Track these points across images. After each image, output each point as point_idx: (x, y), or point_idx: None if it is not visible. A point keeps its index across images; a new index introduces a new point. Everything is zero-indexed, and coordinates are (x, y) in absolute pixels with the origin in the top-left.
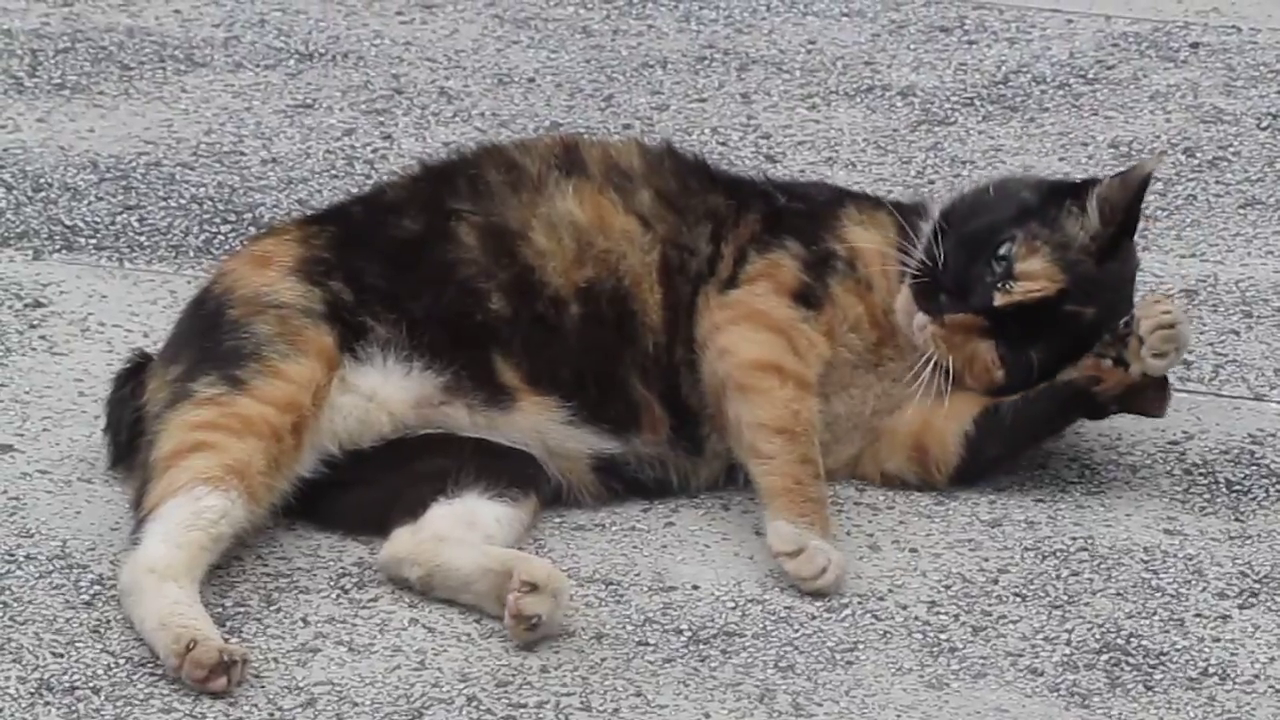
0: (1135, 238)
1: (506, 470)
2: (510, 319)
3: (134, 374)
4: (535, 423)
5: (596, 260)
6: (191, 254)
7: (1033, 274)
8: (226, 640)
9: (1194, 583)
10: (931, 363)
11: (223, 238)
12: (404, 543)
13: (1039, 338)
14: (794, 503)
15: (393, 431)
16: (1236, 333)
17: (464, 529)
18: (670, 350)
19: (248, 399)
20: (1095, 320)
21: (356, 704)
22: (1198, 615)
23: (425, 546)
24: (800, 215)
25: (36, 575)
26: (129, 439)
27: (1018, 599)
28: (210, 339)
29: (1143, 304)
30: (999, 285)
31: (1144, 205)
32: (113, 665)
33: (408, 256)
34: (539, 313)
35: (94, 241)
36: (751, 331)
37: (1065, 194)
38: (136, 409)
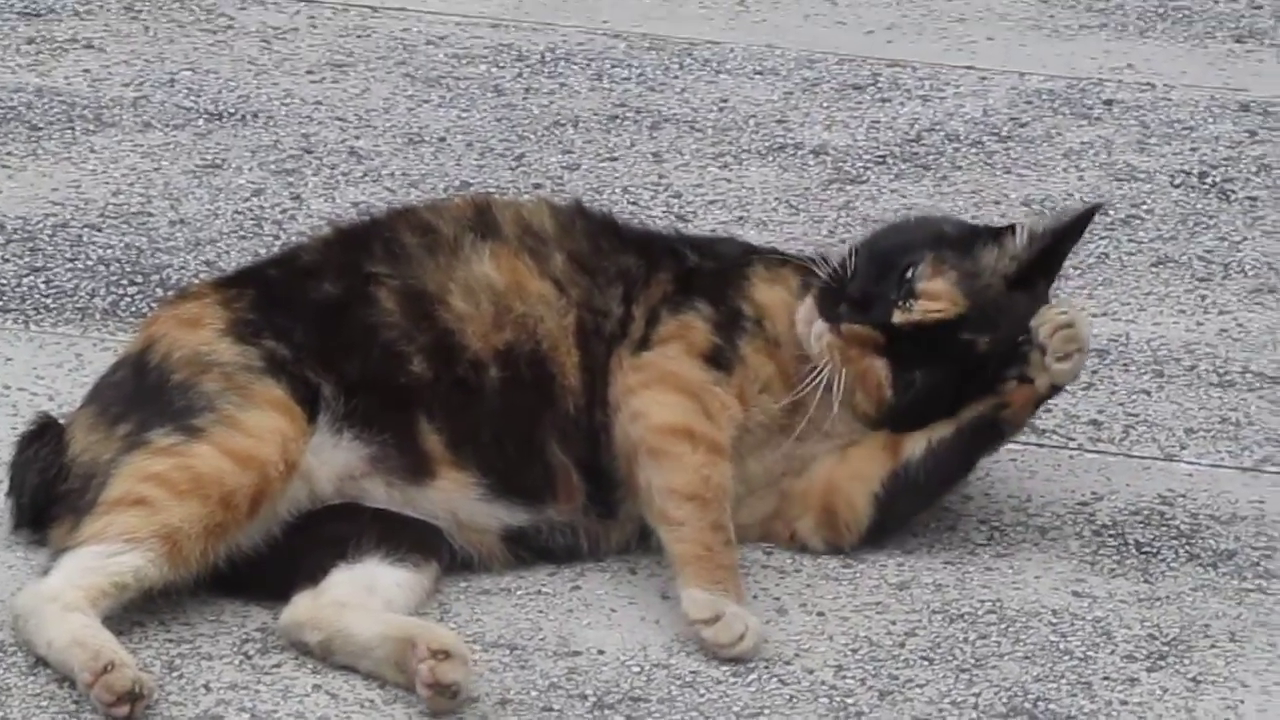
0: (1051, 285)
1: (408, 536)
2: (432, 382)
3: (38, 436)
4: (450, 498)
5: (514, 324)
6: (98, 316)
7: (934, 294)
8: (141, 670)
9: (1102, 645)
10: (824, 376)
11: (129, 299)
12: (304, 607)
13: (931, 362)
14: (705, 569)
15: (307, 504)
16: (1148, 392)
17: (364, 594)
18: (589, 413)
19: (207, 448)
20: (990, 352)
21: None
22: (1106, 678)
23: (326, 612)
24: (709, 274)
25: None
26: (33, 502)
27: (925, 662)
28: (159, 401)
29: (1036, 316)
30: (900, 302)
31: (1071, 251)
32: None
33: (330, 319)
34: (459, 375)
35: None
36: (663, 394)
37: (987, 233)
38: (44, 470)
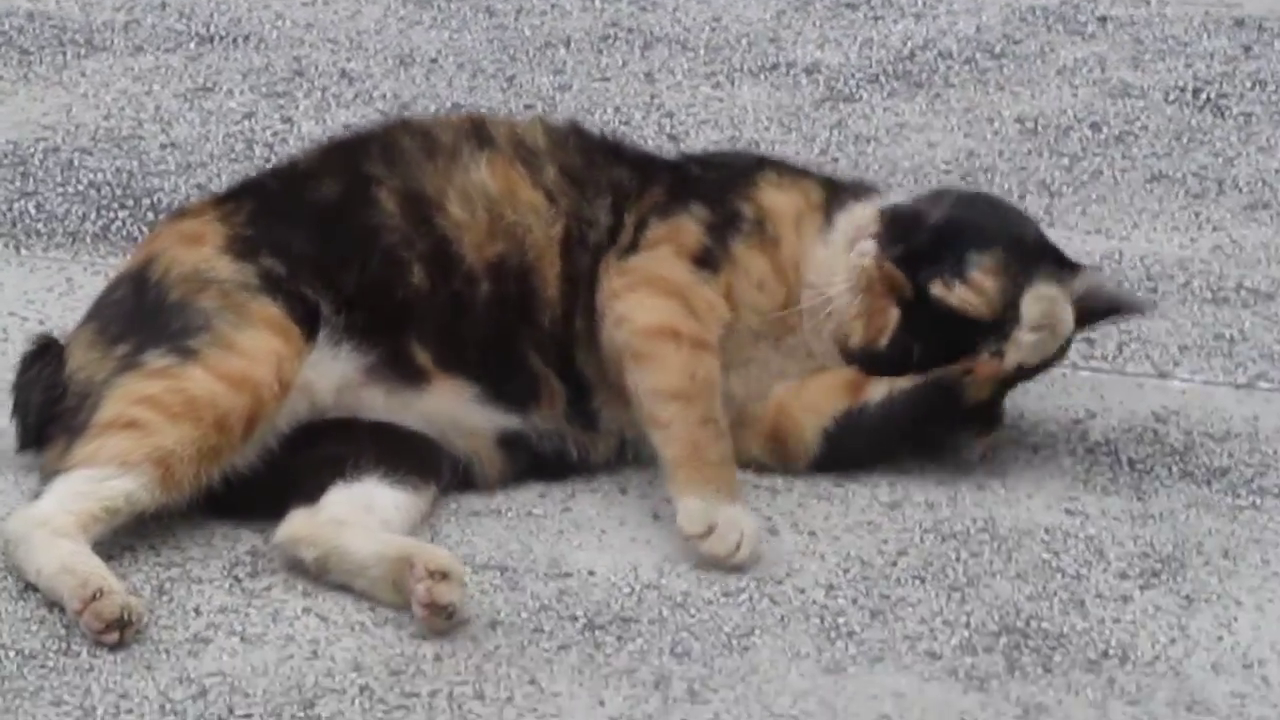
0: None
1: (406, 457)
2: (429, 295)
3: (39, 356)
4: (446, 403)
5: (505, 233)
6: (88, 241)
7: (979, 289)
8: (130, 594)
9: (1095, 563)
10: (836, 291)
11: (120, 224)
12: (301, 524)
13: (935, 339)
14: (696, 470)
15: (308, 416)
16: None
17: (362, 513)
18: (567, 323)
19: (200, 370)
20: (987, 351)
21: (248, 695)
22: (1098, 596)
23: (323, 529)
24: (711, 181)
25: None
26: (38, 422)
27: (917, 581)
28: (157, 320)
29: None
30: (946, 277)
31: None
32: (3, 658)
33: (331, 222)
34: (455, 289)
35: None
36: (648, 297)
37: (1056, 260)
38: (47, 389)
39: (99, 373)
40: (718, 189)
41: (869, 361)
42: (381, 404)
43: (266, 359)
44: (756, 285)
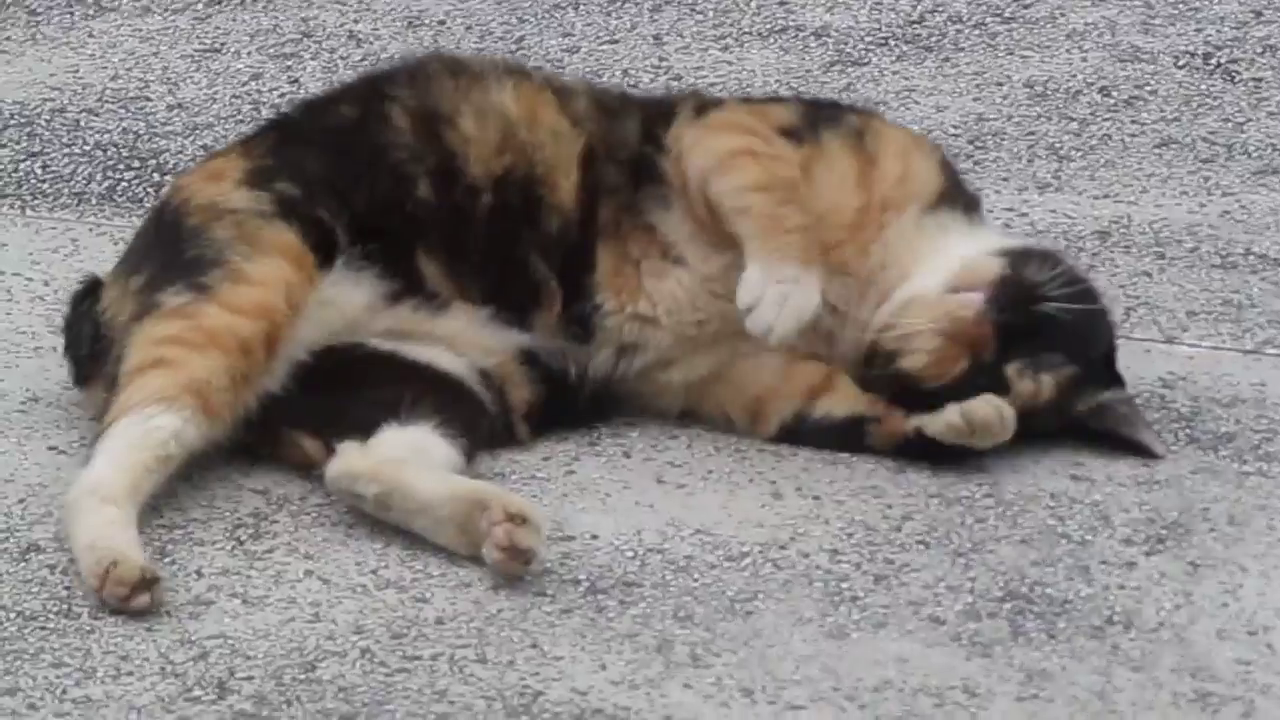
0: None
1: (458, 412)
2: (434, 206)
3: (88, 294)
4: (463, 324)
5: (516, 149)
6: (94, 202)
7: (1038, 393)
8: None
9: (1100, 529)
10: (926, 331)
11: (126, 184)
12: (358, 460)
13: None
14: (773, 237)
15: (345, 331)
16: (1149, 274)
17: (416, 457)
18: (585, 226)
19: (215, 307)
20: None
21: (249, 657)
22: (1103, 563)
23: (385, 466)
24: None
25: None
26: (90, 354)
27: (921, 546)
28: (172, 248)
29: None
30: (1022, 365)
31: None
32: (3, 619)
33: (344, 142)
34: (457, 201)
35: None
36: (725, 134)
37: (1111, 381)
38: (95, 321)
39: (120, 314)
40: (814, 103)
41: (904, 388)
42: (410, 319)
43: (276, 286)
44: (837, 179)
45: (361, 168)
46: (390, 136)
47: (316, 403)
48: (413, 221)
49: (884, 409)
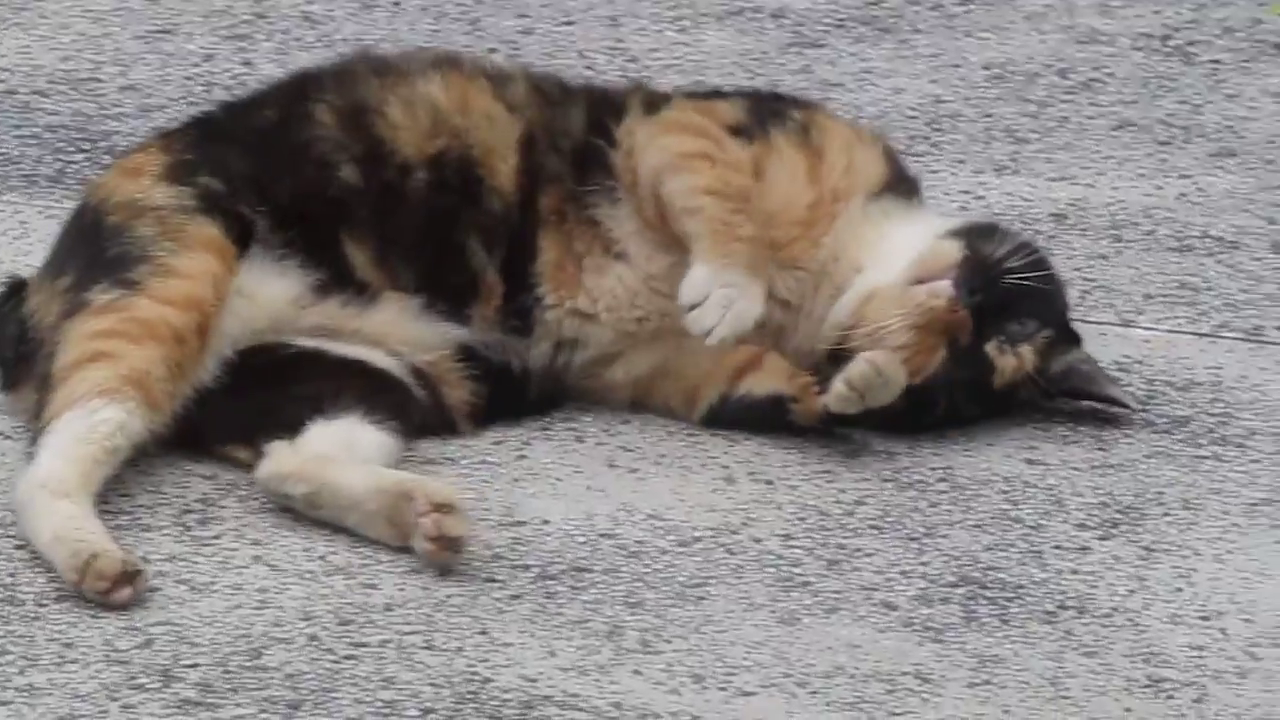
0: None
1: (384, 397)
2: (360, 190)
3: (10, 296)
4: (394, 317)
5: (449, 133)
6: (43, 184)
7: (1025, 364)
8: (127, 552)
9: (1054, 514)
10: (892, 322)
11: (76, 167)
12: (286, 459)
13: (956, 384)
14: (723, 242)
15: (271, 329)
16: (1105, 257)
17: (344, 451)
18: (525, 208)
19: (145, 300)
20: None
21: (195, 644)
22: (1056, 547)
23: (310, 464)
24: (746, 94)
25: None
26: (16, 356)
27: (874, 531)
28: (94, 247)
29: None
30: (1003, 340)
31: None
32: None
33: (267, 142)
34: (386, 180)
35: None
36: (679, 135)
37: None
38: (20, 323)
39: (47, 315)
40: (756, 96)
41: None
42: (338, 313)
43: (204, 278)
44: (788, 176)
45: (284, 163)
46: (314, 131)
47: (244, 407)
48: (336, 205)
49: (803, 387)
